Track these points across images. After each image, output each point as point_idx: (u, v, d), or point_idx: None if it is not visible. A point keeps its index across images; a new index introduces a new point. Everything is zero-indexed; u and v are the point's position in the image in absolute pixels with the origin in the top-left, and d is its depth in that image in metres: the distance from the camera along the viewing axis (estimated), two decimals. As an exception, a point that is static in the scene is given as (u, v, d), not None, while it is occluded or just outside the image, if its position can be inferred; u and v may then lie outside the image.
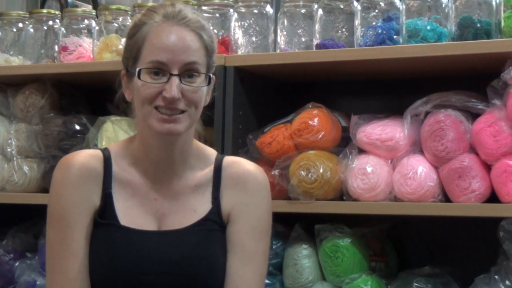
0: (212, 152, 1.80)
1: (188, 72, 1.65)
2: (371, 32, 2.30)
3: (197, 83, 1.66)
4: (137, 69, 1.65)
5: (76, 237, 1.67)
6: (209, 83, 1.68)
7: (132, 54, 1.68)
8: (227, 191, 1.74)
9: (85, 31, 2.77)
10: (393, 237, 2.46)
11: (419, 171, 2.17)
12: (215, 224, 1.72)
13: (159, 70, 1.64)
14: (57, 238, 1.68)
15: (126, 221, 1.69)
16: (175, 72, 1.63)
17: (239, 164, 1.78)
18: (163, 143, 1.70)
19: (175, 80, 1.63)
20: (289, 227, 2.42)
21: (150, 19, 1.67)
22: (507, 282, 2.08)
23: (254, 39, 2.49)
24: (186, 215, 1.72)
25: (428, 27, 2.21)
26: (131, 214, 1.70)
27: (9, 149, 2.76)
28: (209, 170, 1.76)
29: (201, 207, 1.73)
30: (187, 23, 1.66)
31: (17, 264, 2.78)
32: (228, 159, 1.79)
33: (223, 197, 1.74)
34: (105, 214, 1.70)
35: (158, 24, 1.66)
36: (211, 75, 1.70)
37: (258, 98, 2.47)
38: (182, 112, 1.65)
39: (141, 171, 1.73)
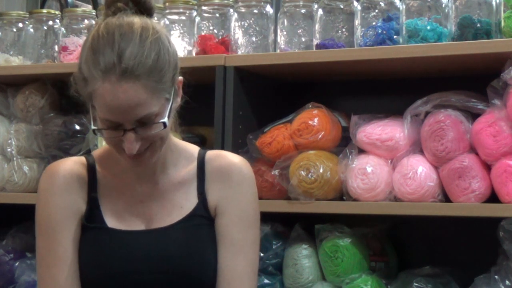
0: (194, 148, 1.79)
1: (142, 124, 1.58)
2: (371, 32, 2.30)
3: (155, 129, 1.59)
4: (92, 129, 1.62)
5: (63, 243, 1.67)
6: (165, 127, 1.60)
7: (85, 97, 1.62)
8: (212, 184, 1.73)
9: (85, 31, 2.77)
10: (393, 237, 2.46)
11: (419, 171, 2.17)
12: (202, 219, 1.72)
13: (115, 126, 1.59)
14: (45, 245, 1.68)
15: (113, 224, 1.69)
16: (129, 127, 1.57)
17: (223, 157, 1.76)
18: None
19: (131, 136, 1.58)
20: (289, 227, 2.42)
21: (92, 75, 1.55)
22: (507, 282, 2.08)
23: (254, 39, 2.49)
24: (173, 212, 1.71)
25: (428, 27, 2.21)
26: (118, 217, 1.70)
27: (9, 149, 2.76)
28: (192, 166, 1.75)
29: (187, 203, 1.72)
30: (129, 73, 1.53)
31: (17, 264, 2.78)
32: (211, 153, 1.77)
33: (209, 191, 1.73)
34: (92, 218, 1.70)
35: (100, 83, 1.55)
36: (166, 120, 1.59)
37: (258, 98, 2.47)
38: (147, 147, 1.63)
39: (124, 175, 1.73)
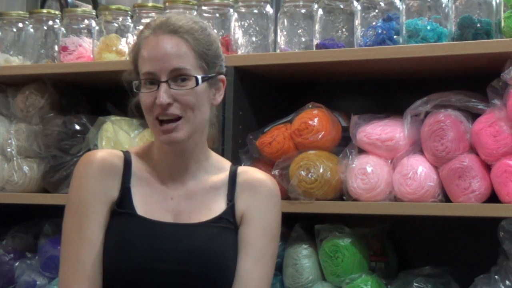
0: (227, 162, 1.89)
1: (176, 77, 1.72)
2: (371, 32, 2.30)
3: (188, 86, 1.72)
4: (134, 83, 1.76)
5: (92, 226, 1.73)
6: (197, 84, 1.73)
7: (133, 68, 1.79)
8: (241, 194, 1.82)
9: (85, 31, 2.77)
10: (393, 237, 2.46)
11: (419, 171, 2.17)
12: (229, 223, 1.79)
13: (152, 80, 1.73)
14: (73, 227, 1.74)
15: (142, 212, 1.76)
16: (163, 79, 1.71)
17: (253, 172, 1.87)
18: (173, 149, 1.78)
19: (163, 86, 1.71)
20: (289, 227, 2.42)
21: (142, 34, 1.77)
22: (507, 282, 2.08)
23: (254, 39, 2.49)
24: (202, 212, 1.78)
25: (428, 27, 2.21)
26: (148, 208, 1.77)
27: (9, 149, 2.76)
28: (224, 176, 1.84)
29: (216, 206, 1.80)
30: (173, 30, 1.74)
31: (17, 264, 2.78)
32: (242, 168, 1.88)
33: (237, 200, 1.81)
34: (123, 205, 1.76)
35: (147, 37, 1.75)
36: (199, 77, 1.73)
37: (258, 98, 2.47)
38: (179, 118, 1.73)
39: (158, 172, 1.81)
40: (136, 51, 1.77)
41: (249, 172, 1.86)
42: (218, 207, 1.80)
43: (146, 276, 1.70)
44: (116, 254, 1.72)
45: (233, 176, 1.83)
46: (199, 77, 1.73)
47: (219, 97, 1.82)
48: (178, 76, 1.72)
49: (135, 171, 1.80)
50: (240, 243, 1.78)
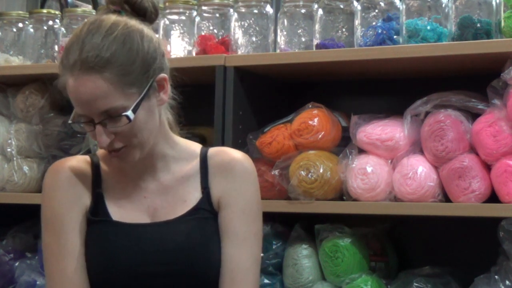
0: (196, 146, 1.81)
1: (109, 117, 1.61)
2: (371, 32, 2.30)
3: (122, 123, 1.61)
4: (68, 122, 1.67)
5: (71, 236, 1.69)
6: (129, 120, 1.61)
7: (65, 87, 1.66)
8: (215, 179, 1.75)
9: (85, 31, 2.77)
10: (393, 237, 2.46)
11: (419, 171, 2.17)
12: (206, 212, 1.73)
13: (86, 121, 1.63)
14: (52, 240, 1.71)
15: (118, 217, 1.71)
16: (97, 120, 1.62)
17: (225, 152, 1.78)
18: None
19: (99, 129, 1.61)
20: (289, 227, 2.42)
21: (62, 72, 1.61)
22: (507, 282, 2.08)
23: (254, 39, 2.49)
24: (177, 206, 1.73)
25: (428, 27, 2.21)
26: (123, 211, 1.72)
27: (9, 149, 2.76)
28: (195, 162, 1.77)
29: (191, 197, 1.74)
30: (89, 67, 1.57)
31: (17, 264, 2.78)
32: (213, 149, 1.79)
33: (212, 185, 1.74)
34: (97, 212, 1.72)
35: (67, 78, 1.60)
36: (129, 113, 1.60)
37: (258, 98, 2.47)
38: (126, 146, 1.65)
39: (127, 171, 1.75)
40: (64, 88, 1.62)
41: (219, 154, 1.77)
42: (193, 197, 1.73)
43: (132, 281, 1.67)
44: (98, 264, 1.68)
45: (204, 160, 1.76)
46: (129, 113, 1.60)
47: (165, 96, 1.69)
48: (108, 117, 1.61)
49: (105, 174, 1.75)
50: (221, 228, 1.72)
